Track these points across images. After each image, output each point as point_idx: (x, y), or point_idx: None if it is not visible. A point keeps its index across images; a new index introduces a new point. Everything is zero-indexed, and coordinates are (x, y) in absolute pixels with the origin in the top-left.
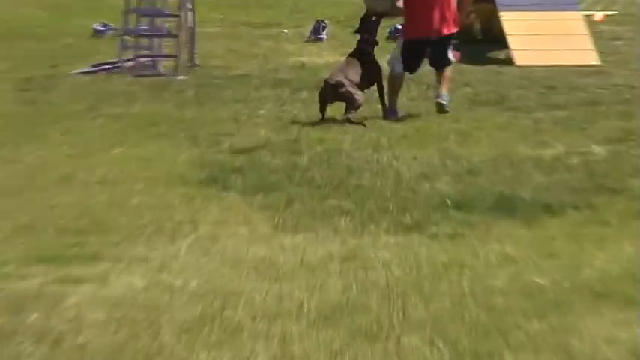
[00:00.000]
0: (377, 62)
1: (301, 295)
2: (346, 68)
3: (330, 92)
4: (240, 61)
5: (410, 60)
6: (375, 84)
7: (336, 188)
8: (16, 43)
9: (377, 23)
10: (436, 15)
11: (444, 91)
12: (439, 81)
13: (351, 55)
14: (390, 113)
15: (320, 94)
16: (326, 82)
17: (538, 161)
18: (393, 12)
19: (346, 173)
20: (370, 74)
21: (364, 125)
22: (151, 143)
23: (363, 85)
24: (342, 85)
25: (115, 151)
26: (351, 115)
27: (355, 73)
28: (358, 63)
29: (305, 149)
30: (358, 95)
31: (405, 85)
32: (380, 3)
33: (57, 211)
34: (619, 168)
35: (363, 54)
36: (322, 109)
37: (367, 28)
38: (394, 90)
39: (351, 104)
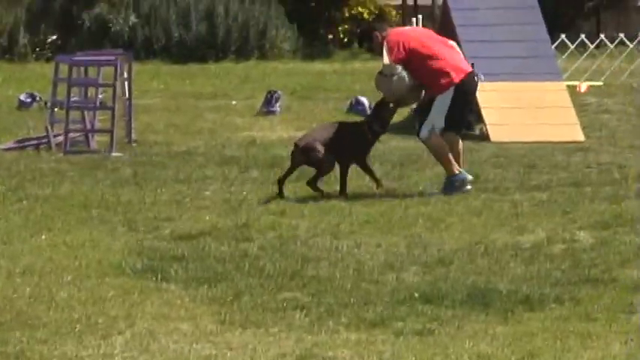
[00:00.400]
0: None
1: None
2: (322, 130)
3: (298, 156)
4: (183, 137)
5: (461, 111)
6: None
7: (290, 279)
8: None
9: (392, 112)
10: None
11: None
12: (456, 155)
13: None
14: (454, 182)
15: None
16: (294, 144)
17: (516, 249)
18: (410, 99)
19: (302, 262)
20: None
21: (322, 193)
22: (83, 228)
23: (345, 157)
24: (312, 149)
25: (42, 238)
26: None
27: (332, 137)
28: (348, 129)
29: (255, 235)
30: (329, 162)
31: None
32: (398, 87)
33: None
34: (606, 257)
35: (365, 131)
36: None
37: (381, 115)
38: (444, 152)
39: (319, 171)
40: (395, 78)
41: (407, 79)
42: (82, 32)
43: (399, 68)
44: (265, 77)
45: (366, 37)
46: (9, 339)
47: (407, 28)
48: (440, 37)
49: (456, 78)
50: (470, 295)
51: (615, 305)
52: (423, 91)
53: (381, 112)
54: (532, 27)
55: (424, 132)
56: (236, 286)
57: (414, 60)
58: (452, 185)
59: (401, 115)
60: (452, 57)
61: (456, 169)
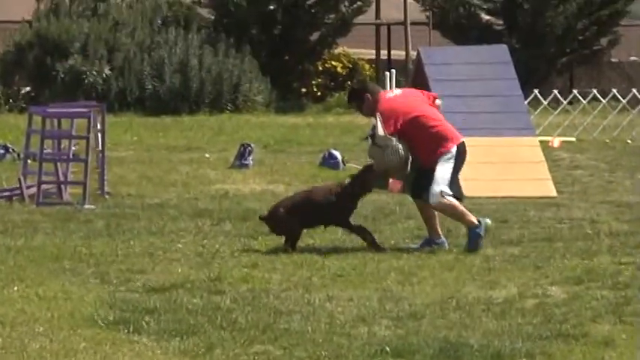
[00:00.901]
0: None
1: None
2: (292, 198)
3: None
4: (155, 189)
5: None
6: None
7: (262, 332)
8: None
9: (378, 178)
10: None
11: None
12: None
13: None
14: (478, 233)
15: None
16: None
17: (488, 304)
18: (398, 173)
19: (274, 316)
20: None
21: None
22: (55, 280)
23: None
24: (274, 217)
25: (14, 289)
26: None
27: (300, 202)
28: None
29: (228, 288)
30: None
31: None
32: (390, 159)
33: None
34: (578, 312)
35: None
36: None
37: (365, 178)
38: (459, 208)
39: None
40: (388, 150)
41: (401, 151)
42: (55, 84)
43: (394, 140)
44: (239, 130)
45: (357, 97)
46: None
47: (398, 93)
48: (426, 98)
49: (457, 140)
50: (441, 349)
51: None
52: (408, 168)
53: (366, 175)
54: (505, 82)
55: (435, 198)
56: (208, 339)
57: (412, 129)
58: (477, 236)
59: None
60: (446, 122)
61: (475, 218)
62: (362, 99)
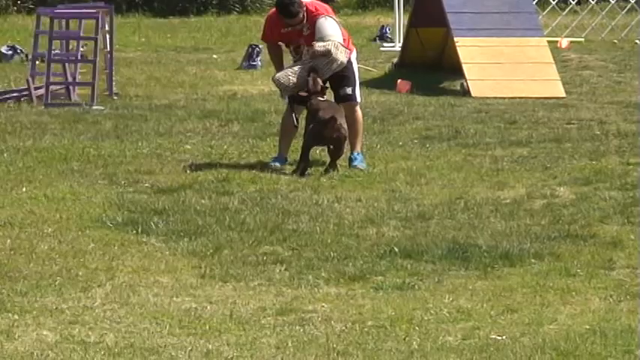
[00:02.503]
0: None
1: (231, 352)
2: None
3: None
4: (163, 90)
5: None
6: None
7: (270, 233)
8: None
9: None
10: None
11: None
12: None
13: None
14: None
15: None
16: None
17: (496, 204)
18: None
19: (282, 216)
20: None
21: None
22: (63, 181)
23: None
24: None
25: (23, 190)
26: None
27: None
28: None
29: (236, 189)
30: None
31: None
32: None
33: None
34: (586, 212)
35: None
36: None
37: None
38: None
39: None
40: (342, 51)
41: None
42: None
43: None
44: (246, 31)
45: (300, 7)
46: None
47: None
48: None
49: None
50: (450, 250)
51: (595, 261)
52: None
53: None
54: None
55: (359, 97)
56: (216, 240)
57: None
58: (363, 158)
59: (381, 69)
60: None
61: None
62: (303, 9)
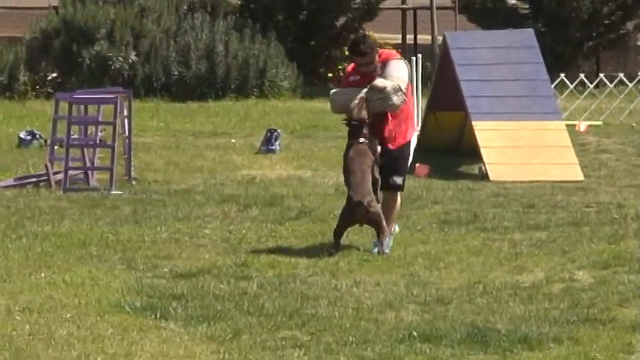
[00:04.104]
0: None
1: None
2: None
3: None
4: (182, 175)
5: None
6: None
7: (289, 318)
8: None
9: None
10: None
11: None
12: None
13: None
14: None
15: (346, 217)
16: (357, 202)
17: (515, 288)
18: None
19: (300, 301)
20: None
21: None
22: (82, 266)
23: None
24: (372, 206)
25: (41, 275)
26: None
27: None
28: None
29: (255, 274)
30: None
31: None
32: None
33: None
34: (606, 296)
35: None
36: (341, 235)
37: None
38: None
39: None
40: (399, 96)
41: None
42: (82, 70)
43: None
44: (265, 115)
45: (371, 49)
46: None
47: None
48: None
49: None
50: (469, 334)
51: (614, 345)
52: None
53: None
54: (531, 66)
55: (402, 182)
56: (235, 325)
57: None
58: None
59: None
60: None
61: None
62: (375, 53)
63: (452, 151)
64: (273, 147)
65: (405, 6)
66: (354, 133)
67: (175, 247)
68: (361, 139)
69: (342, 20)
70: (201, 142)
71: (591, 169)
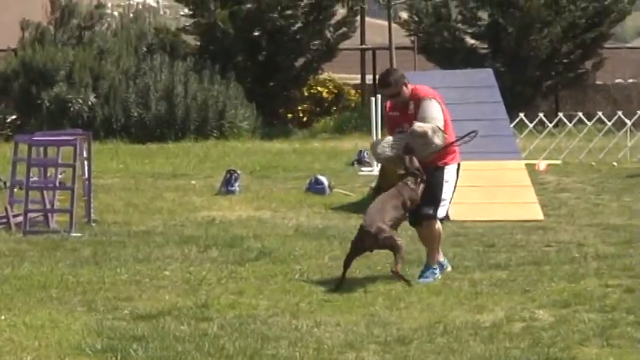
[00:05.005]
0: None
1: None
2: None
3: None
4: (142, 216)
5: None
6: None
7: (249, 359)
8: None
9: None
10: None
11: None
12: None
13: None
14: (435, 271)
15: (355, 244)
16: (365, 230)
17: (476, 328)
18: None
19: (261, 342)
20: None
21: (409, 283)
22: (42, 309)
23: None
24: (382, 231)
25: (1, 318)
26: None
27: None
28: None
29: (215, 315)
30: (401, 241)
31: (326, 242)
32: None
33: None
34: (566, 335)
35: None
36: (349, 264)
37: (411, 158)
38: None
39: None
40: (439, 136)
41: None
42: (41, 112)
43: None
44: (224, 156)
45: (399, 84)
46: None
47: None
48: None
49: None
50: None
51: None
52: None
53: (407, 154)
54: (491, 106)
55: (442, 210)
56: None
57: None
58: (433, 275)
59: (359, 193)
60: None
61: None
62: (402, 86)
63: None
64: (233, 188)
65: (363, 46)
66: (412, 177)
67: (135, 289)
68: (407, 181)
69: (301, 61)
70: (161, 184)
71: (551, 208)
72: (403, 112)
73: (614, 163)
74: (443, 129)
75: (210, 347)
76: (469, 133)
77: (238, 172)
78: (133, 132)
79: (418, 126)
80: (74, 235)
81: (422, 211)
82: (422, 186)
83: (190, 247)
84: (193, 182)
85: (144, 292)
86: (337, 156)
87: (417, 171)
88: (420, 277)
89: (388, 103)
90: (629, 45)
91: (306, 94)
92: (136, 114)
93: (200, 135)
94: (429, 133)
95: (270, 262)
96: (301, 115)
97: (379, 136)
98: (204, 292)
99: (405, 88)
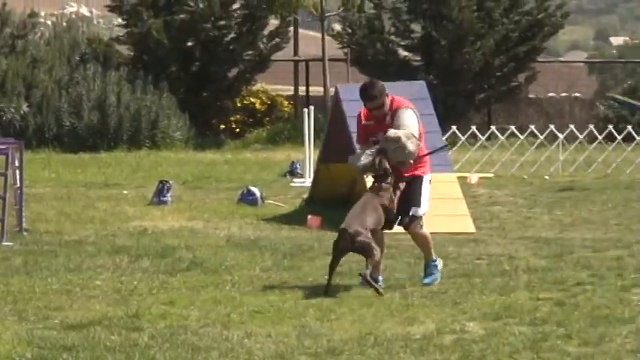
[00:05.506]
0: None
1: None
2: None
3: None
4: (74, 226)
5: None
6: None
7: None
8: None
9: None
10: None
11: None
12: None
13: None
14: (436, 265)
15: (334, 247)
16: (342, 231)
17: (407, 340)
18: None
19: (192, 352)
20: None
21: (380, 293)
22: None
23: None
24: (358, 234)
25: None
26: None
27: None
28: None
29: (146, 325)
30: (377, 248)
31: (258, 252)
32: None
33: None
34: (496, 347)
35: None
36: (333, 267)
37: (382, 161)
38: (430, 237)
39: (370, 258)
40: (413, 142)
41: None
42: None
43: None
44: (157, 166)
45: (382, 95)
46: None
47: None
48: None
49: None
50: None
51: None
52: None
53: (382, 157)
54: (423, 118)
55: (419, 222)
56: None
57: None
58: (435, 268)
59: (291, 204)
60: None
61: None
62: (385, 97)
63: (344, 202)
64: (165, 198)
65: (297, 58)
66: (379, 181)
67: (66, 298)
68: (384, 184)
69: (234, 72)
70: (93, 193)
71: (483, 221)
72: (379, 121)
73: (546, 177)
74: (418, 137)
75: (140, 357)
76: (442, 147)
77: (171, 182)
78: (66, 141)
79: (392, 132)
80: (5, 244)
81: (405, 215)
82: (398, 192)
83: (122, 257)
84: (125, 192)
85: (75, 301)
86: (269, 167)
87: (386, 171)
88: (425, 277)
89: (363, 111)
90: (561, 59)
91: (239, 104)
92: (68, 123)
93: (133, 145)
94: (403, 138)
95: (202, 273)
96: (234, 125)
97: (311, 148)
98: (135, 302)
99: (386, 98)
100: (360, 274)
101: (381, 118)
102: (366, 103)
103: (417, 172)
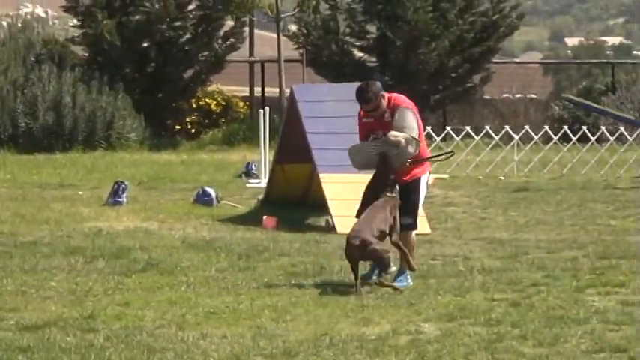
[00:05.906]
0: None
1: None
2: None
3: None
4: (29, 227)
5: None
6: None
7: None
8: None
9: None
10: None
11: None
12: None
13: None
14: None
15: (346, 255)
16: (348, 240)
17: (362, 340)
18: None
19: (147, 353)
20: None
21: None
22: None
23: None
24: (369, 243)
25: None
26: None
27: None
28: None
29: (101, 326)
30: (387, 253)
31: (213, 253)
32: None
33: None
34: (452, 348)
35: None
36: (356, 272)
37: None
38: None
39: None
40: (413, 145)
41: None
42: None
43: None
44: (112, 167)
45: (377, 96)
46: None
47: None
48: None
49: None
50: None
51: None
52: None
53: (386, 164)
54: None
55: (414, 221)
56: None
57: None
58: (407, 279)
59: (247, 205)
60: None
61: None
62: (381, 98)
63: (299, 203)
64: (121, 199)
65: (252, 59)
66: (390, 187)
67: (21, 299)
68: (393, 194)
69: (189, 72)
70: (48, 194)
71: (438, 221)
72: (378, 119)
73: (501, 178)
74: (418, 139)
75: (96, 358)
76: (446, 152)
77: (126, 183)
78: (21, 142)
79: (393, 135)
80: None
81: (402, 221)
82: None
83: (77, 258)
84: (81, 193)
85: (30, 302)
86: (225, 168)
87: (394, 182)
88: (395, 279)
89: (362, 110)
90: (517, 60)
91: (194, 105)
92: (23, 124)
93: (88, 146)
94: (403, 143)
95: (157, 274)
96: (189, 126)
97: (267, 149)
98: (90, 303)
99: (383, 99)
100: (375, 283)
101: (379, 116)
102: (363, 105)
103: (416, 175)
